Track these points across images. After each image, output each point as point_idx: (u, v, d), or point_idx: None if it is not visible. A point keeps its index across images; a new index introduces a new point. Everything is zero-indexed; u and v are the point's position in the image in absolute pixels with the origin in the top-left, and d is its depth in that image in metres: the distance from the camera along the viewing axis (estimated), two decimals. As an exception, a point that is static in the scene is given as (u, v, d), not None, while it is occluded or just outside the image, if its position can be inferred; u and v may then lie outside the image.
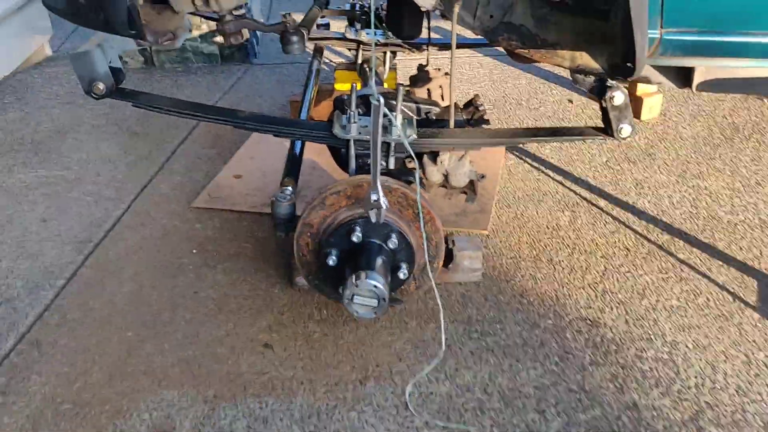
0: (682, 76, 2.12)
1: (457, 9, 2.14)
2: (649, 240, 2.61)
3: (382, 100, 1.70)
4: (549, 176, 3.03)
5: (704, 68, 2.04)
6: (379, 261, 1.88)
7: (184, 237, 2.70)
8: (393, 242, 1.93)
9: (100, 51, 2.15)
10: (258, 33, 4.58)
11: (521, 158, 3.16)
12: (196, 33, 4.18)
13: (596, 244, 2.60)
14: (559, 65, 2.24)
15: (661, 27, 1.78)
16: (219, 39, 4.24)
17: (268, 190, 2.94)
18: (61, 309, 2.35)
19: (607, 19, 1.95)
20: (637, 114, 3.49)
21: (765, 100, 3.66)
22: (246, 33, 4.39)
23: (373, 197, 1.83)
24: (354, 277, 1.83)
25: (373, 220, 1.87)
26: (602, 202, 2.84)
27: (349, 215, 1.95)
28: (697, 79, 2.09)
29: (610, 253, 2.55)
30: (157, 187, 3.03)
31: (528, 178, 3.02)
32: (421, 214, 1.93)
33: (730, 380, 2.01)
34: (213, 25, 4.19)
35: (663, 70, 2.08)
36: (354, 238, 1.91)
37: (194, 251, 2.62)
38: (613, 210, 2.79)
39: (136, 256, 2.60)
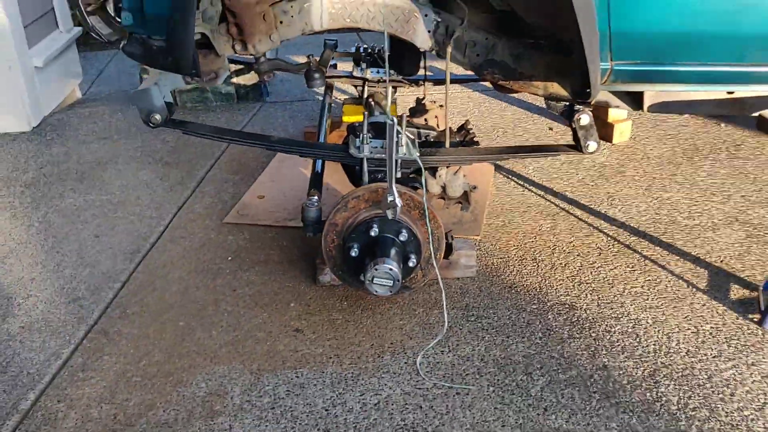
0: (635, 100, 2.59)
1: (449, 49, 2.63)
2: (618, 241, 3.06)
3: (395, 119, 2.17)
4: (532, 191, 3.49)
5: (652, 92, 2.52)
6: (392, 250, 2.33)
7: (220, 247, 3.13)
8: (403, 236, 2.39)
9: (156, 88, 2.61)
10: (269, 74, 5.08)
11: (508, 177, 3.63)
12: (215, 75, 4.66)
13: (573, 245, 3.05)
14: (534, 93, 2.73)
15: (611, 60, 2.26)
16: (236, 80, 4.74)
17: (289, 208, 3.39)
18: (121, 305, 2.78)
19: (570, 55, 2.43)
20: (609, 138, 3.97)
21: (722, 125, 4.15)
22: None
23: (390, 198, 2.29)
24: (373, 263, 2.28)
25: (390, 217, 2.33)
26: (578, 212, 3.30)
27: (368, 215, 2.41)
28: (647, 101, 2.57)
29: (585, 252, 3.00)
30: (192, 207, 3.47)
31: (514, 193, 3.48)
32: (426, 213, 2.38)
33: (682, 346, 2.45)
34: (232, 66, 4.69)
35: (618, 95, 2.56)
36: (372, 233, 2.37)
37: (229, 258, 3.05)
38: (588, 218, 3.25)
39: (180, 263, 3.04)
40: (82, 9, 2.35)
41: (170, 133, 4.30)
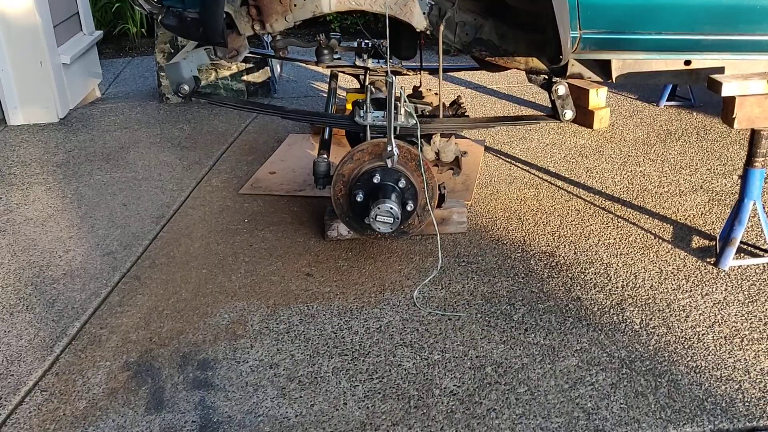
0: (605, 71, 2.96)
1: (442, 28, 3.00)
2: (595, 204, 3.42)
3: (395, 78, 2.53)
4: (518, 167, 3.85)
5: (618, 63, 2.89)
6: (393, 194, 2.69)
7: (237, 212, 3.48)
8: (402, 183, 2.74)
9: (186, 62, 2.98)
10: (275, 73, 5.46)
11: (497, 156, 3.99)
12: (227, 72, 5.04)
13: (554, 208, 3.40)
14: (517, 68, 3.10)
15: (580, 29, 2.63)
16: (246, 78, 5.12)
17: (299, 181, 3.74)
18: (150, 257, 3.12)
19: (545, 33, 2.81)
20: (589, 124, 4.34)
21: (694, 114, 4.52)
22: (268, 72, 5.27)
23: (389, 148, 2.64)
24: (376, 203, 2.63)
25: (389, 165, 2.68)
26: (560, 183, 3.66)
27: (371, 166, 2.77)
28: (615, 72, 2.94)
29: (564, 213, 3.35)
30: (210, 181, 3.82)
31: (501, 168, 3.84)
32: (421, 163, 2.74)
33: (646, 282, 2.79)
34: (242, 65, 5.07)
35: (589, 65, 2.93)
36: (375, 180, 2.72)
37: (246, 220, 3.40)
38: (568, 187, 3.60)
39: (201, 224, 3.38)
40: (130, -15, 2.73)
41: (187, 122, 4.68)
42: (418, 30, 3.07)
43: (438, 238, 2.97)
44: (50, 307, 2.79)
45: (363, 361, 2.44)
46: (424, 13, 3.00)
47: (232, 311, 2.74)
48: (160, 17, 2.79)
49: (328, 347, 2.52)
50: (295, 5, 2.95)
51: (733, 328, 2.52)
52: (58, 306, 2.80)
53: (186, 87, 2.99)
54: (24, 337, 2.63)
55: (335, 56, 4.11)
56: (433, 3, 2.99)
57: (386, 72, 3.96)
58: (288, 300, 2.79)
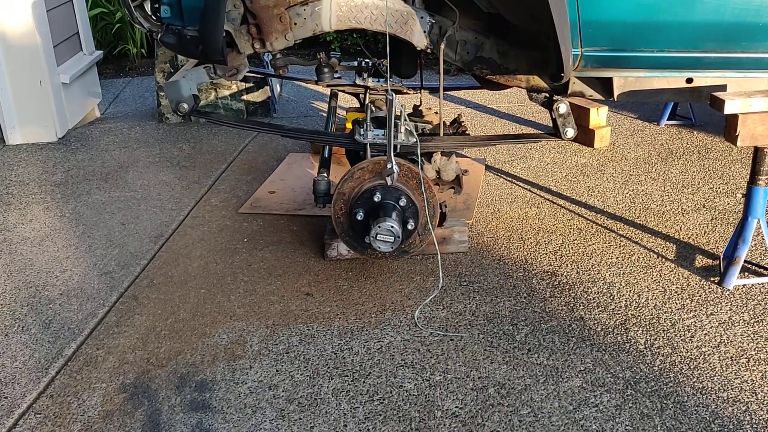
0: (606, 89, 2.95)
1: (442, 47, 2.99)
2: (597, 224, 3.39)
3: (395, 96, 2.51)
4: (519, 186, 3.82)
5: (620, 80, 2.88)
6: (393, 213, 2.66)
7: (236, 231, 3.45)
8: (403, 201, 2.72)
9: (185, 81, 2.96)
10: (275, 93, 5.46)
11: (498, 175, 3.97)
12: (226, 92, 5.03)
13: (556, 227, 3.37)
14: (518, 86, 3.09)
15: (581, 46, 2.62)
16: (246, 97, 5.11)
17: (298, 200, 3.71)
18: (148, 277, 3.09)
19: (546, 51, 2.80)
20: (590, 143, 4.33)
21: (695, 132, 4.51)
22: (268, 91, 5.27)
23: (389, 166, 2.62)
24: (377, 222, 2.60)
25: (389, 183, 2.66)
26: (561, 202, 3.63)
27: (372, 184, 2.74)
28: (616, 90, 2.93)
29: (566, 233, 3.32)
30: (209, 200, 3.80)
31: (503, 187, 3.81)
32: (422, 182, 2.71)
33: (650, 302, 2.76)
34: (242, 85, 5.07)
35: (590, 83, 2.92)
36: (375, 199, 2.70)
37: (245, 240, 3.37)
38: (570, 206, 3.58)
39: (200, 244, 3.35)
40: (130, 5, 2.71)
41: (186, 141, 4.66)
42: (418, 48, 3.07)
43: (439, 257, 2.94)
44: (46, 328, 2.75)
45: (363, 382, 2.40)
46: (424, 32, 2.99)
47: (231, 331, 2.70)
48: (159, 35, 2.78)
49: (328, 368, 2.48)
50: (295, 24, 2.94)
51: (739, 349, 2.48)
52: (54, 327, 2.76)
53: (185, 105, 2.97)
54: (19, 358, 2.59)
55: (335, 75, 4.10)
56: (433, 22, 2.99)
57: (386, 90, 3.96)
58: (287, 320, 2.75)
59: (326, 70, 3.17)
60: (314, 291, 2.94)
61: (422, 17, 2.98)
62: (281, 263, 3.15)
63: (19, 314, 2.85)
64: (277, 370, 2.47)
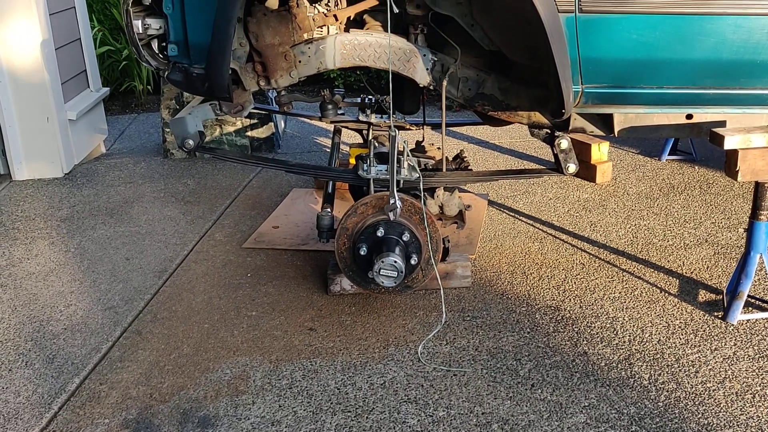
0: (607, 125, 2.98)
1: (445, 84, 3.03)
2: (599, 258, 3.40)
3: (399, 132, 2.54)
4: (522, 221, 3.84)
5: (620, 117, 2.91)
6: (397, 248, 2.67)
7: (240, 266, 3.46)
8: (406, 236, 2.73)
9: (191, 117, 3.00)
10: (279, 129, 5.51)
11: (500, 210, 3.99)
12: (231, 128, 5.09)
13: (558, 262, 3.38)
14: (519, 122, 3.13)
15: (582, 83, 2.65)
16: (250, 133, 5.16)
17: (302, 236, 3.73)
18: (152, 311, 3.09)
19: (547, 87, 2.83)
20: (592, 178, 4.35)
21: (696, 168, 4.54)
22: (272, 127, 5.33)
23: (392, 201, 2.64)
24: (380, 257, 2.61)
25: (392, 218, 2.67)
26: (564, 236, 3.64)
27: (375, 219, 2.76)
28: (617, 126, 2.96)
29: (569, 267, 3.33)
30: (213, 235, 3.82)
31: (505, 222, 3.83)
32: (425, 216, 2.73)
33: (654, 337, 2.76)
34: (246, 121, 5.13)
35: (591, 119, 2.95)
36: (378, 234, 2.71)
37: (249, 275, 3.38)
38: (572, 241, 3.59)
39: (204, 279, 3.36)
40: (138, 44, 2.76)
41: (191, 177, 4.70)
42: (421, 85, 3.11)
43: (442, 292, 2.94)
44: (50, 363, 2.75)
45: (366, 418, 2.39)
46: (427, 69, 3.04)
47: (234, 366, 2.70)
48: (166, 73, 2.83)
49: (332, 404, 2.47)
50: (300, 61, 2.99)
51: (745, 384, 2.48)
52: (57, 361, 2.76)
53: (191, 141, 3.01)
54: (22, 393, 2.59)
55: (339, 111, 4.15)
56: (436, 59, 3.04)
57: (389, 126, 4.00)
58: (291, 355, 2.75)
59: (330, 106, 3.21)
60: (317, 326, 2.94)
61: (425, 55, 3.03)
62: (284, 298, 3.16)
63: (23, 349, 2.85)
64: (280, 406, 2.46)
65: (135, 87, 6.92)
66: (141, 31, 2.79)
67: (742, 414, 2.34)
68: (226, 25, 2.62)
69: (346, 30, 3.06)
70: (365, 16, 3.11)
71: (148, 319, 3.04)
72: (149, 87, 7.01)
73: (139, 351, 2.81)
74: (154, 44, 2.87)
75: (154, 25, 2.82)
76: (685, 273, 3.23)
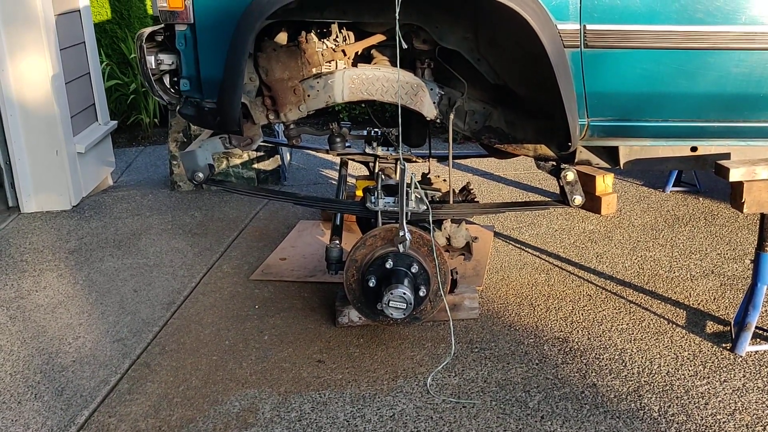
0: (612, 157, 3.01)
1: (452, 117, 3.07)
2: (606, 290, 3.41)
3: (407, 165, 2.57)
4: (528, 252, 3.86)
5: (626, 149, 2.94)
6: (405, 279, 2.68)
7: (247, 298, 3.48)
8: (414, 268, 2.75)
9: (201, 150, 3.04)
10: (285, 161, 5.55)
11: (507, 241, 4.01)
12: (238, 160, 5.13)
13: (565, 293, 3.39)
14: (525, 155, 3.16)
15: (588, 116, 2.69)
16: (256, 165, 5.20)
17: (309, 267, 3.75)
18: (161, 344, 3.10)
19: (553, 120, 2.87)
20: (597, 210, 4.38)
21: (700, 199, 4.56)
22: (278, 160, 5.36)
23: (401, 233, 2.66)
24: (389, 289, 2.63)
25: (401, 250, 2.69)
26: (570, 268, 3.66)
27: (384, 251, 2.78)
28: (623, 158, 2.99)
29: (576, 299, 3.33)
30: (221, 267, 3.84)
31: (512, 253, 3.85)
32: (434, 248, 2.75)
33: (663, 368, 2.76)
34: (253, 153, 5.17)
35: (597, 152, 2.98)
36: (387, 265, 2.73)
37: (256, 306, 3.39)
38: (579, 272, 3.60)
39: (212, 311, 3.37)
40: (151, 79, 2.81)
41: (198, 209, 4.73)
42: (428, 119, 3.15)
43: (451, 323, 2.95)
44: (59, 396, 2.76)
45: (376, 450, 2.39)
46: (434, 103, 3.08)
47: (243, 399, 2.70)
48: (178, 107, 2.87)
49: (341, 436, 2.47)
50: (308, 95, 3.04)
51: (755, 416, 2.47)
52: (66, 394, 2.77)
53: (201, 174, 3.04)
54: (31, 426, 2.59)
55: (347, 144, 4.19)
56: (443, 93, 3.08)
57: (397, 159, 4.03)
58: (299, 387, 2.75)
59: (338, 139, 3.25)
60: (326, 358, 2.94)
61: (432, 89, 3.07)
62: (292, 330, 3.17)
63: (32, 381, 2.86)
64: (289, 438, 2.46)
65: (142, 120, 6.98)
66: (154, 67, 2.83)
67: (753, 446, 2.33)
68: (238, 60, 2.67)
69: (354, 65, 3.11)
70: (373, 51, 3.16)
71: (156, 352, 3.04)
72: (156, 120, 7.07)
73: (148, 383, 2.82)
74: (166, 79, 2.92)
75: (167, 60, 2.88)
76: (692, 304, 3.23)
